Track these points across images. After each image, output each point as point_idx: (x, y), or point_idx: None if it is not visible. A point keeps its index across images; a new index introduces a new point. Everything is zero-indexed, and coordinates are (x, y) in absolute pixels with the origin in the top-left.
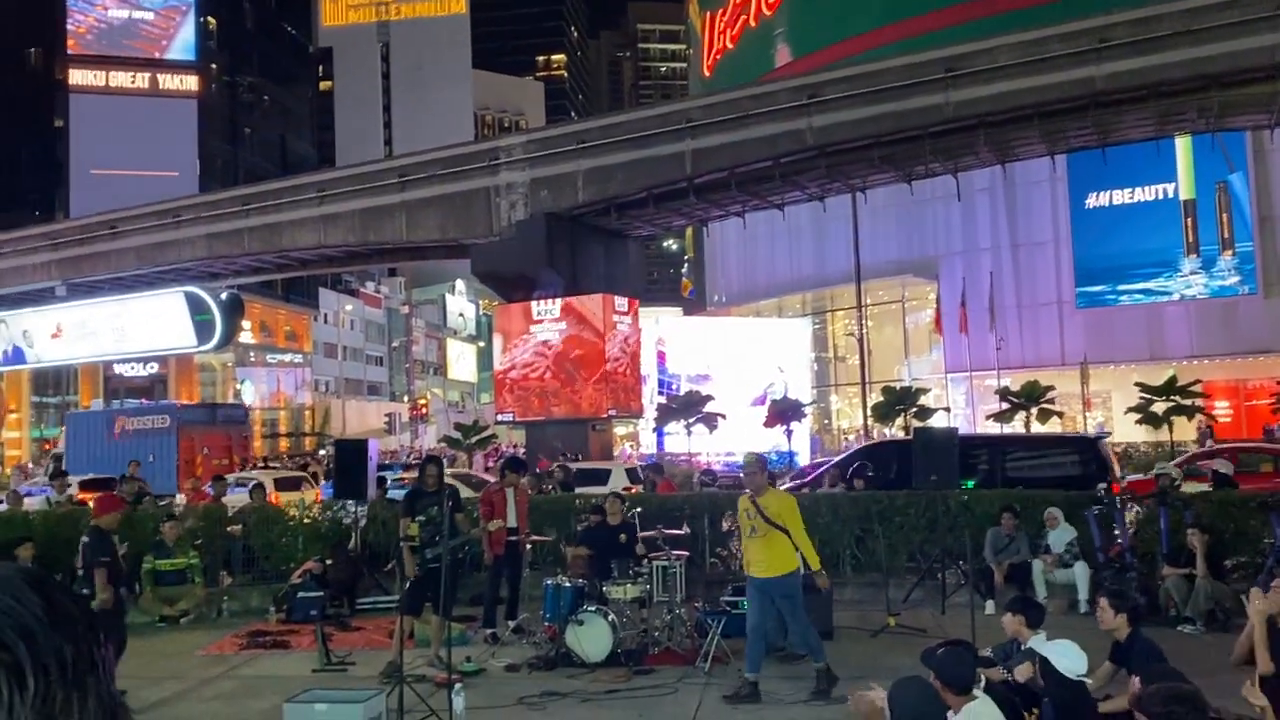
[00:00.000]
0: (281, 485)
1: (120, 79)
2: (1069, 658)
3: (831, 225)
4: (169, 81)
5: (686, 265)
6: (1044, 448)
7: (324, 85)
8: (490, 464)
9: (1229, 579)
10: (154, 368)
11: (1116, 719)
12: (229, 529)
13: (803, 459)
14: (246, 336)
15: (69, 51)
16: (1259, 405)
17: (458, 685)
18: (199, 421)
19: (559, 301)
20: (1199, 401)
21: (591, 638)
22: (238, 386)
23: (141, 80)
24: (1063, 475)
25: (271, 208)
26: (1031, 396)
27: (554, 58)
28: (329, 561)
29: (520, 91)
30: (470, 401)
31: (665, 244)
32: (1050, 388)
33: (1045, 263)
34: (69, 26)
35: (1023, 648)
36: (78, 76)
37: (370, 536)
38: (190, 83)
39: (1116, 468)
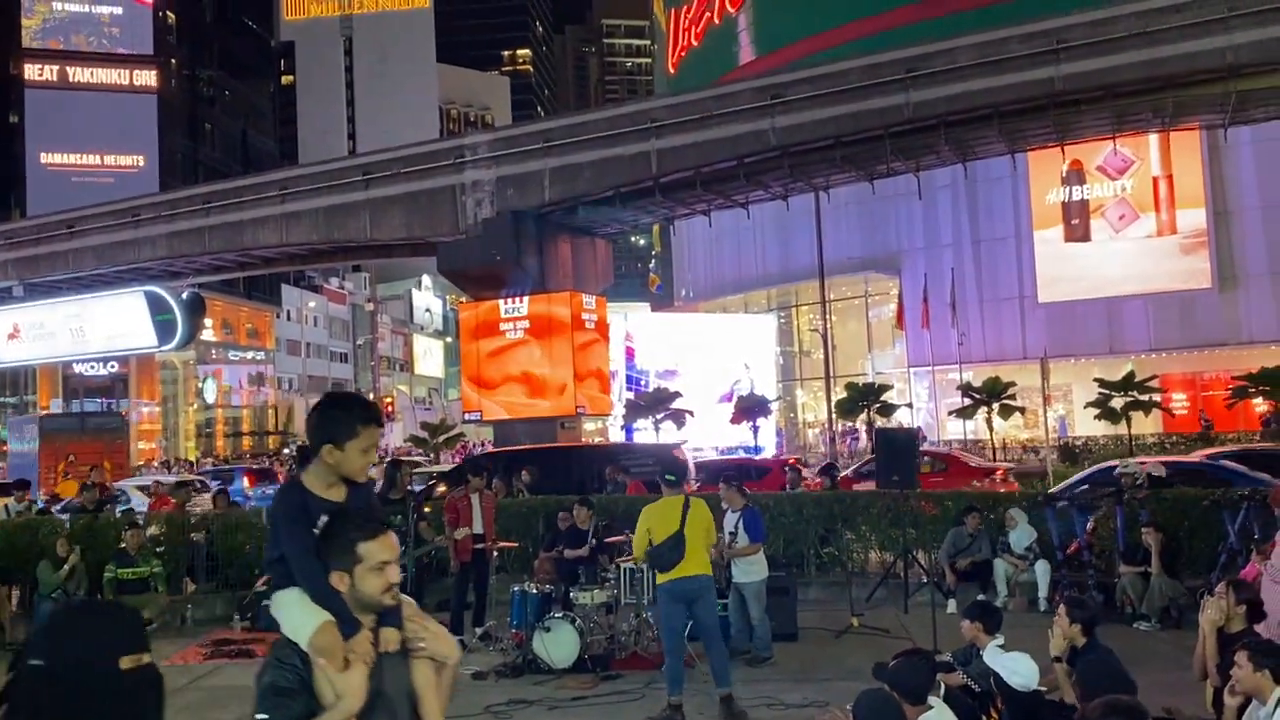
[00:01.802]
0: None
1: (77, 74)
2: (1020, 674)
3: (796, 222)
4: (127, 76)
5: (654, 260)
6: (640, 455)
7: (286, 80)
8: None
9: (1183, 577)
10: (114, 367)
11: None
12: (191, 536)
13: (769, 454)
14: (208, 334)
15: (23, 45)
16: (1214, 396)
17: None
18: (65, 430)
19: (526, 299)
20: (1155, 396)
21: (558, 644)
22: (200, 385)
23: (99, 75)
24: (654, 479)
25: (233, 206)
26: (993, 392)
27: (519, 52)
28: None
29: (486, 86)
30: (438, 398)
31: (632, 239)
32: (1011, 383)
33: (1006, 258)
34: (23, 20)
35: (981, 653)
36: (33, 71)
37: None
38: (149, 77)
39: (692, 471)
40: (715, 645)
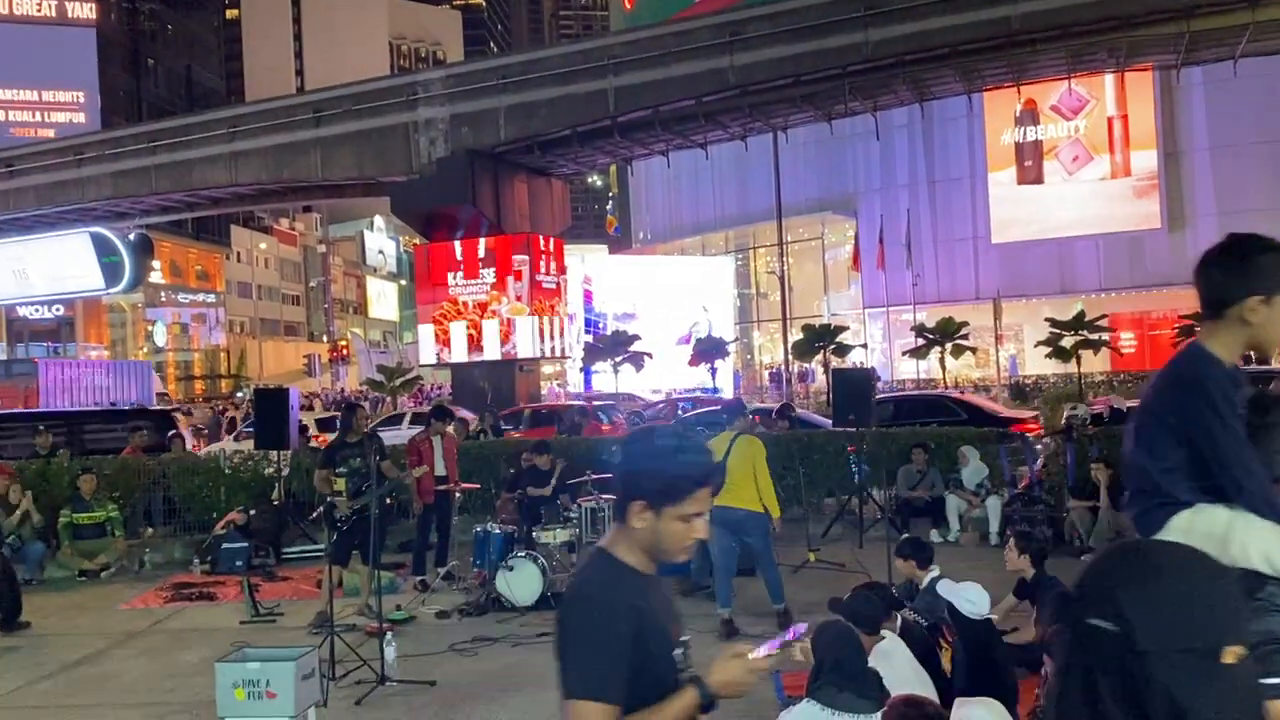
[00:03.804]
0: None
1: (8, 5)
2: (972, 601)
3: (754, 163)
4: (63, 9)
5: (611, 202)
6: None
7: (230, 13)
8: (416, 406)
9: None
10: (60, 310)
11: (1023, 651)
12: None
13: (728, 395)
14: (156, 277)
15: None
16: (1161, 335)
17: (389, 634)
18: None
19: (482, 241)
20: (1104, 335)
21: (521, 583)
22: (149, 328)
23: (33, 7)
24: (155, 445)
25: (180, 145)
26: (946, 332)
27: None
28: (252, 512)
29: (437, 20)
30: (393, 341)
31: (590, 181)
32: (964, 323)
33: (961, 198)
34: None
35: (920, 587)
36: None
37: (294, 485)
38: (87, 10)
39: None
40: (765, 569)
